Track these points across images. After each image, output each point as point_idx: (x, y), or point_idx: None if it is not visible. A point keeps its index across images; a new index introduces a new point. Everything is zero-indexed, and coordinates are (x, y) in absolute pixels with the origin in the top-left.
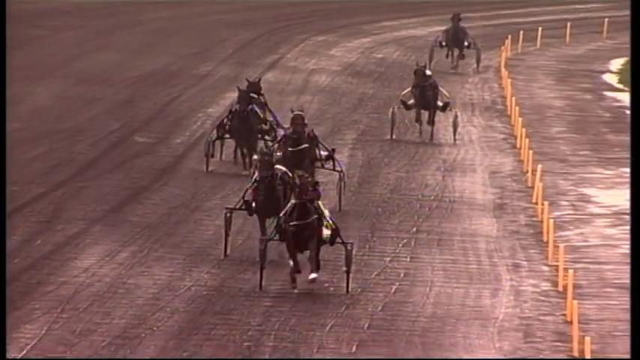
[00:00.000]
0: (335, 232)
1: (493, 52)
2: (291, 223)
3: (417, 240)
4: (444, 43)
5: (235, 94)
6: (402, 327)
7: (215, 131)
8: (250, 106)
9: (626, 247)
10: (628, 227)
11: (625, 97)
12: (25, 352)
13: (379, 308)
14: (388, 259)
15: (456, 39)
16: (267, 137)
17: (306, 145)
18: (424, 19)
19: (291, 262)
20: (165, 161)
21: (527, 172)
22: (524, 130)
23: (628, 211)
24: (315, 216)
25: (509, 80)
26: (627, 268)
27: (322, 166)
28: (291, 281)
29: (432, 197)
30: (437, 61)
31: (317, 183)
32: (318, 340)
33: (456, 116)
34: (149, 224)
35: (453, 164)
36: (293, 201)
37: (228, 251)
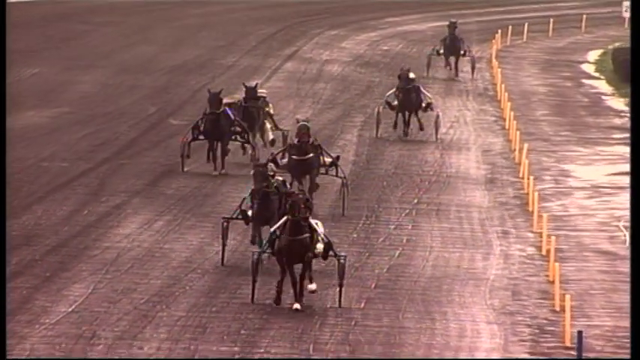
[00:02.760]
0: (328, 246)
1: (485, 45)
2: (284, 237)
3: (417, 210)
4: (441, 51)
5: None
6: (404, 286)
7: (190, 133)
8: (222, 109)
9: (600, 217)
10: (603, 199)
11: (601, 85)
12: (74, 306)
13: (384, 270)
14: (392, 226)
15: (452, 47)
16: (239, 138)
17: (312, 155)
18: (423, 15)
19: (277, 291)
20: (196, 141)
21: (515, 150)
22: (512, 113)
23: (603, 185)
24: (308, 234)
25: (499, 69)
26: (603, 234)
27: (326, 173)
28: (276, 295)
29: (431, 172)
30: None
31: (308, 200)
32: (330, 298)
33: (437, 116)
34: (182, 196)
35: (449, 143)
36: (286, 217)
37: (226, 259)
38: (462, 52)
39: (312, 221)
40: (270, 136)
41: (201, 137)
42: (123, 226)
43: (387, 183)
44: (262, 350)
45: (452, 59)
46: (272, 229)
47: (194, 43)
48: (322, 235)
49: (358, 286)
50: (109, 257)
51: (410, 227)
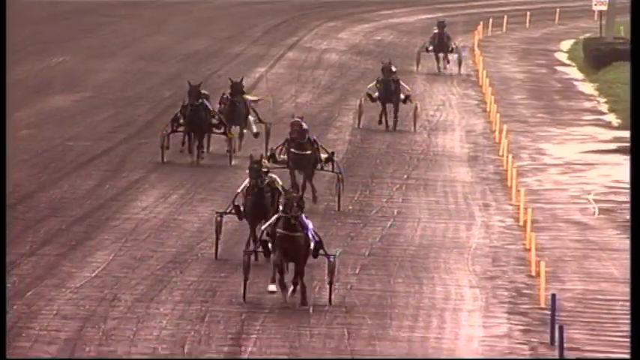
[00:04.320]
0: (318, 245)
1: (468, 35)
2: (279, 231)
3: (407, 185)
4: (430, 48)
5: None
6: (395, 254)
7: (169, 125)
8: (200, 101)
9: (572, 191)
10: (575, 175)
11: (572, 71)
12: (97, 272)
13: (377, 239)
14: (384, 200)
15: (441, 44)
16: (216, 130)
17: (309, 152)
18: (413, 8)
19: (273, 286)
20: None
21: (495, 130)
22: (492, 97)
23: (575, 162)
24: (300, 233)
25: (481, 58)
26: (574, 207)
27: (322, 169)
28: (282, 293)
29: (420, 151)
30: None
31: (301, 198)
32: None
33: (415, 108)
34: (194, 172)
35: (436, 125)
36: (278, 215)
37: (219, 254)
38: (449, 49)
39: (304, 219)
40: (254, 129)
41: (180, 129)
42: (141, 200)
43: (379, 160)
44: (267, 310)
45: (440, 55)
46: (262, 227)
47: (205, 34)
48: (313, 233)
49: (353, 254)
50: (128, 227)
51: (400, 200)
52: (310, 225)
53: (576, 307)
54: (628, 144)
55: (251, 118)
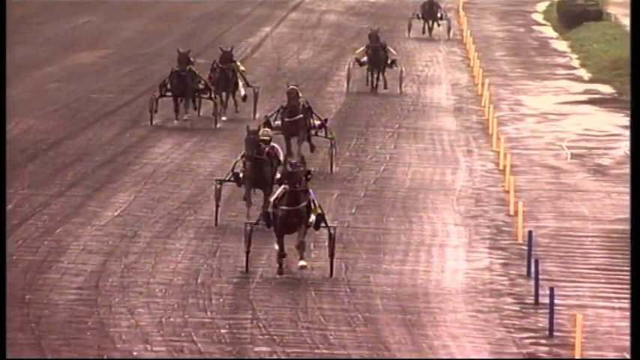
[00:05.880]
0: (320, 217)
1: None
2: (282, 208)
3: (399, 133)
4: (420, 15)
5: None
6: (388, 196)
7: (158, 90)
8: (188, 67)
9: (547, 138)
10: (549, 124)
11: (547, 30)
12: (119, 211)
13: (372, 182)
14: (378, 147)
15: (430, 12)
16: (203, 95)
17: (300, 116)
18: None
19: (277, 247)
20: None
21: (478, 84)
22: (476, 54)
23: (549, 112)
24: (305, 203)
25: (465, 18)
26: (549, 152)
27: (315, 134)
28: (278, 267)
29: (410, 102)
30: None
31: (309, 172)
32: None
33: (401, 72)
34: (206, 122)
35: (424, 79)
36: (284, 187)
37: (219, 220)
38: (439, 15)
39: (310, 193)
40: (243, 92)
41: (168, 94)
42: (158, 146)
43: (373, 111)
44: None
45: (430, 22)
46: (271, 199)
47: None
48: (317, 205)
49: (350, 196)
50: (147, 171)
51: (392, 147)
52: (313, 196)
53: (550, 243)
54: (597, 96)
55: (240, 82)
